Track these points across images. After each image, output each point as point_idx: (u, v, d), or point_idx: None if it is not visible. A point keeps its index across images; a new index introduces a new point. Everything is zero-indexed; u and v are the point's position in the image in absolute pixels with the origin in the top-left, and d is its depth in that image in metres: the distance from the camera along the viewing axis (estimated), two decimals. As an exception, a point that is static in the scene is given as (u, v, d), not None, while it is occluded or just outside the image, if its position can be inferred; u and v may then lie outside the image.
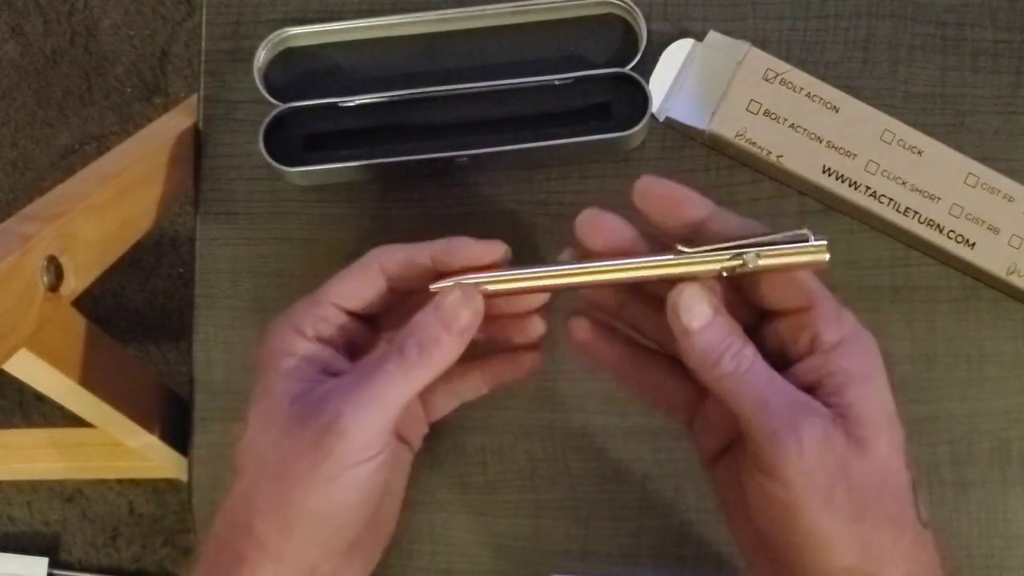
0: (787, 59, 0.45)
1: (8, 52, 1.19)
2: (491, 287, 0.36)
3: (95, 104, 1.18)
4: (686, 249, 0.34)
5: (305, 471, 0.34)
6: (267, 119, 0.46)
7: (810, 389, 0.33)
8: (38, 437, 0.97)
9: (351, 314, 0.38)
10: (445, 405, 0.42)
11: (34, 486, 1.10)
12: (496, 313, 0.37)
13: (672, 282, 0.34)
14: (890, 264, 0.46)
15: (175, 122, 0.49)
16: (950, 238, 0.44)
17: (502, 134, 0.46)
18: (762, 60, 0.45)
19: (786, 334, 0.35)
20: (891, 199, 0.44)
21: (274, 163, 0.45)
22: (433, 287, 0.36)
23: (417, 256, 0.37)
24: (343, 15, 0.48)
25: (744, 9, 0.47)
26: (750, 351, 0.33)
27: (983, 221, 0.44)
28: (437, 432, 0.46)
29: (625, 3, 0.46)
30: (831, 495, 0.32)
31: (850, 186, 0.44)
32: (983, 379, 0.45)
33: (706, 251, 0.33)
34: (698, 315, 0.33)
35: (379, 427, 0.34)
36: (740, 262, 0.33)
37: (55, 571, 1.08)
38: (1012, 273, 0.43)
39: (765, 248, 0.33)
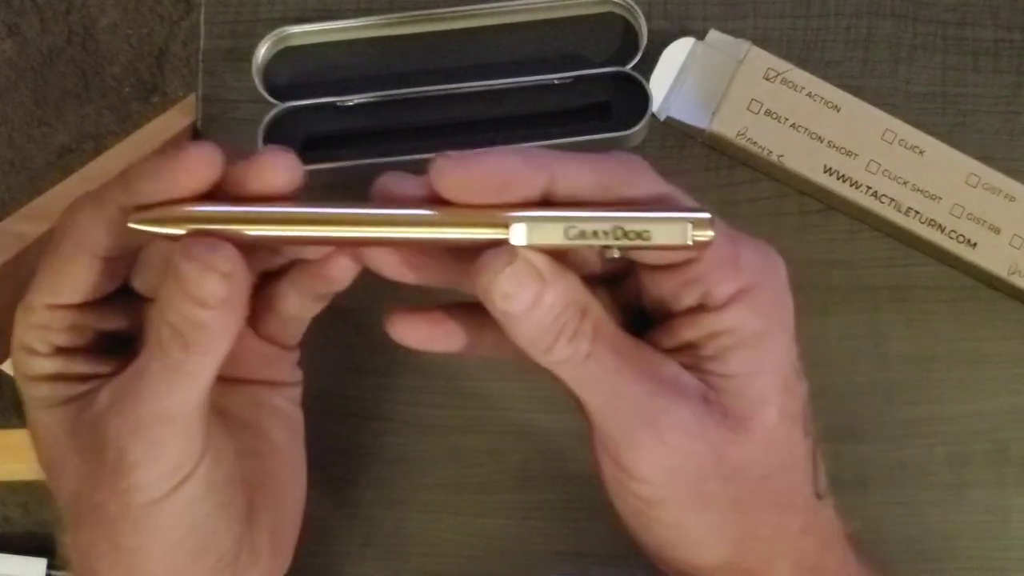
0: (788, 58, 0.45)
1: (5, 51, 1.19)
2: (214, 225, 0.26)
3: (92, 103, 1.18)
4: (520, 242, 0.26)
5: (120, 514, 0.28)
6: (266, 119, 0.46)
7: (687, 347, 0.28)
8: (35, 437, 0.97)
9: (89, 303, 0.29)
10: (290, 333, 0.33)
11: (31, 487, 1.10)
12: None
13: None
14: (890, 264, 0.45)
15: (173, 122, 0.49)
16: (951, 238, 0.44)
17: (502, 134, 0.46)
18: (763, 59, 0.45)
19: (666, 290, 0.28)
20: (892, 199, 0.44)
21: (272, 162, 0.45)
22: (132, 223, 0.27)
23: (109, 212, 0.27)
24: (342, 14, 0.47)
25: (745, 8, 0.47)
26: (589, 327, 0.27)
27: (984, 221, 0.43)
28: (431, 432, 0.46)
29: (625, 2, 0.46)
30: (702, 488, 0.27)
31: (851, 186, 0.44)
32: (982, 380, 0.45)
33: (544, 219, 0.26)
34: (518, 300, 0.26)
35: (177, 442, 0.28)
36: (590, 243, 0.26)
37: (53, 572, 1.08)
38: (1014, 273, 0.43)
39: (627, 227, 0.26)
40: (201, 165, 0.26)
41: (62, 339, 0.29)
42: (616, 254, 0.26)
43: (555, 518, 0.45)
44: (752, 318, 0.27)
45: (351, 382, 0.46)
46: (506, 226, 0.26)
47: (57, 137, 1.18)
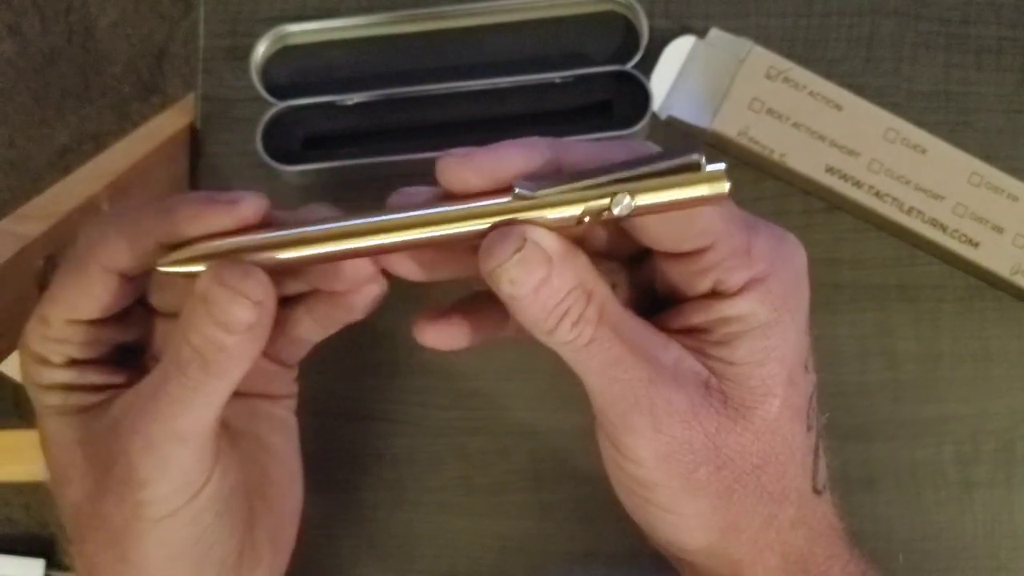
0: (790, 57, 0.45)
1: (5, 51, 1.19)
2: (253, 256, 0.27)
3: (92, 103, 1.18)
4: (525, 192, 0.26)
5: (125, 527, 0.28)
6: (265, 117, 0.46)
7: (695, 331, 0.28)
8: (35, 438, 0.96)
9: (103, 319, 0.30)
10: (295, 353, 0.34)
11: (31, 488, 1.10)
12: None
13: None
14: (895, 264, 0.45)
15: (172, 121, 0.49)
16: (954, 237, 0.43)
17: (502, 133, 0.45)
18: (765, 58, 0.44)
19: (679, 278, 0.28)
20: (895, 198, 0.44)
21: (272, 162, 0.45)
22: (162, 267, 0.28)
23: (143, 241, 0.28)
24: (342, 12, 0.47)
25: (746, 6, 0.47)
26: (594, 312, 0.27)
27: (987, 220, 0.43)
28: (440, 433, 0.46)
29: (626, 0, 0.46)
30: (694, 475, 0.27)
31: (853, 185, 0.44)
32: (988, 379, 0.45)
33: (556, 192, 0.26)
34: (523, 284, 0.26)
35: (188, 460, 0.28)
36: (605, 203, 0.25)
37: (52, 573, 1.08)
38: (1016, 273, 0.43)
39: (640, 181, 0.25)
40: (249, 214, 0.27)
41: (78, 352, 0.30)
42: (630, 208, 0.25)
43: (566, 518, 0.45)
44: (762, 308, 0.27)
45: (358, 384, 0.46)
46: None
47: (57, 137, 1.18)
